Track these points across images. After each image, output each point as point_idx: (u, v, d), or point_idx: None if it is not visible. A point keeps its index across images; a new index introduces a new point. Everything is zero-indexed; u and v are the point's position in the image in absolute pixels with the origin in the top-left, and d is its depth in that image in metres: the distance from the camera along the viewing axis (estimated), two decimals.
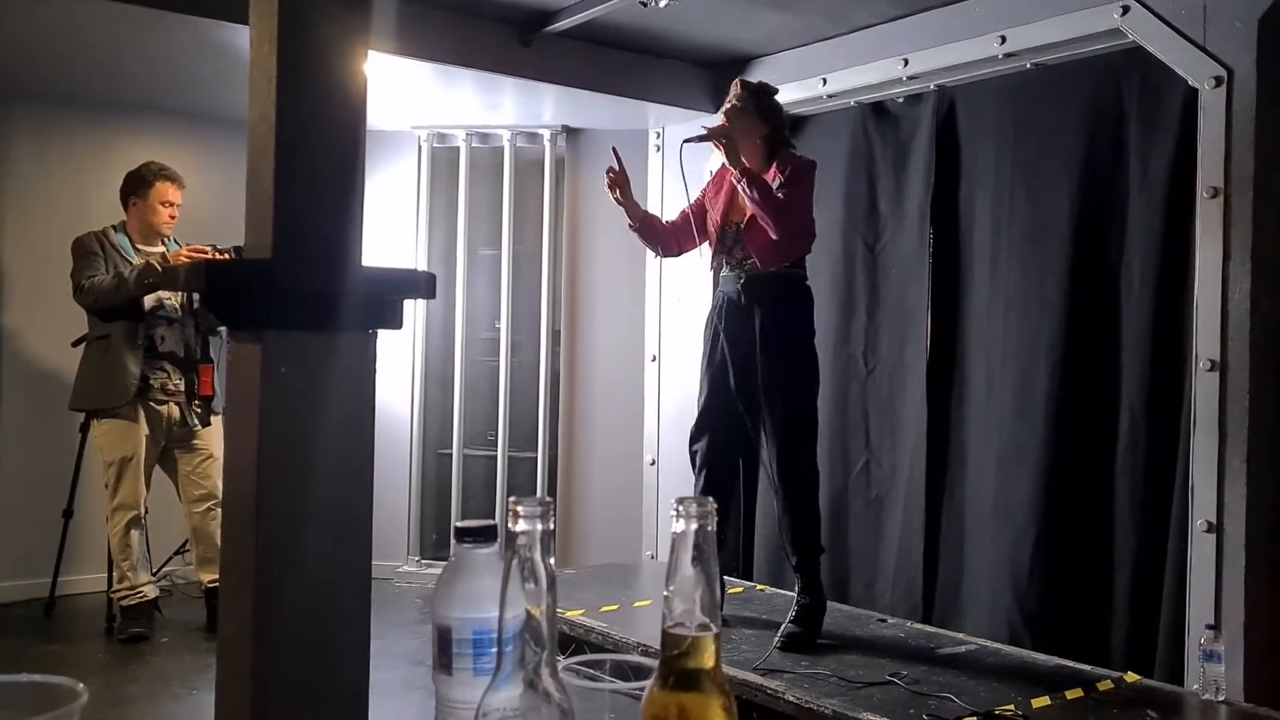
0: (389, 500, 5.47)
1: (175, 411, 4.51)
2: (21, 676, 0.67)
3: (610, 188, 3.69)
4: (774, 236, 3.48)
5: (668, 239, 3.84)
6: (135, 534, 4.43)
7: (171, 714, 3.65)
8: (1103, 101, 3.74)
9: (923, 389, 4.21)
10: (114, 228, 4.55)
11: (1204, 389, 3.30)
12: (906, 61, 4.17)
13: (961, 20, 4.00)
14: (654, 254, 3.96)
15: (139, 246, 4.54)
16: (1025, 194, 3.93)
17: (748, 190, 3.45)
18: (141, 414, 4.42)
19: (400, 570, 5.64)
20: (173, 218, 4.61)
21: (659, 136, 5.37)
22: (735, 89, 3.67)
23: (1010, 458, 3.91)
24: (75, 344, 4.71)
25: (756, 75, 4.86)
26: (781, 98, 4.66)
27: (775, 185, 3.51)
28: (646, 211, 3.83)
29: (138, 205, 4.56)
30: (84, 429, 4.74)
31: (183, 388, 4.49)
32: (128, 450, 4.40)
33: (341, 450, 1.05)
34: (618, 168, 3.68)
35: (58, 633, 4.65)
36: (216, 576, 4.45)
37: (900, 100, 4.43)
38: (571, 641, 3.67)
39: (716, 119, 3.71)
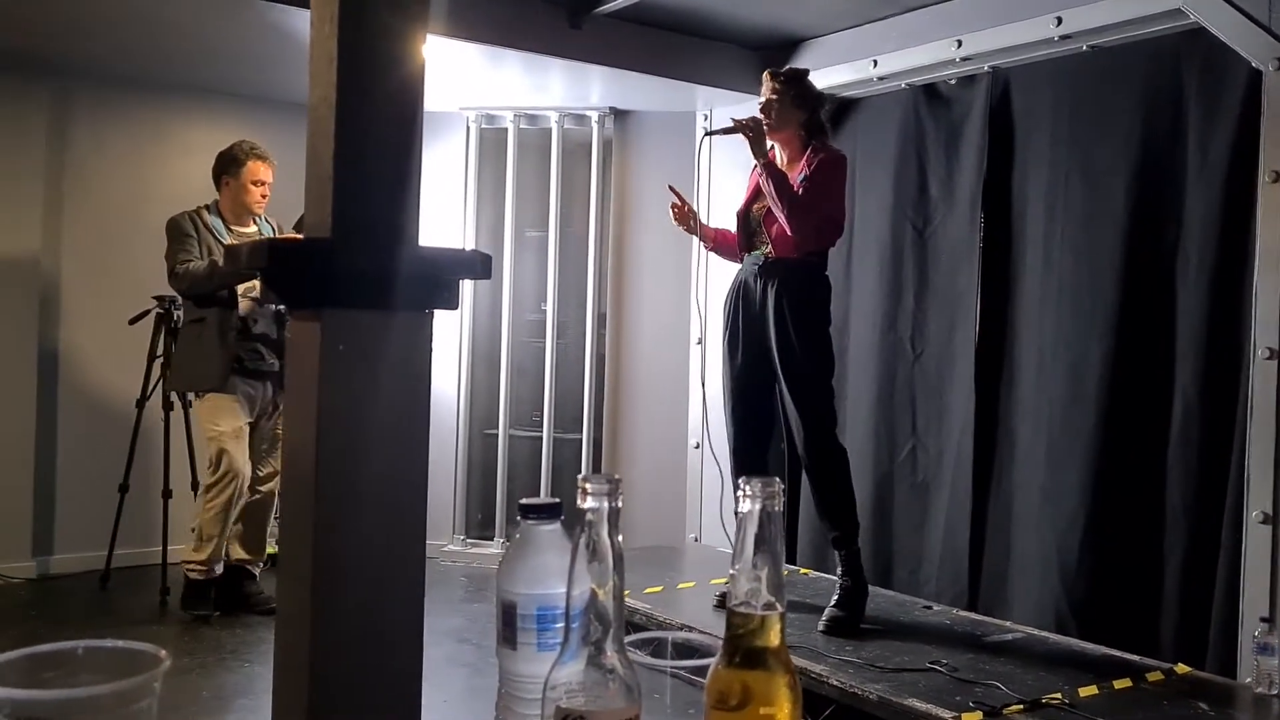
0: (435, 479, 5.51)
1: (269, 391, 4.48)
2: (106, 641, 0.70)
3: (679, 220, 3.82)
4: (788, 232, 3.53)
5: (736, 247, 3.88)
6: (233, 509, 4.37)
7: (227, 685, 3.73)
8: (1161, 84, 3.67)
9: (971, 374, 4.18)
10: (206, 208, 4.48)
11: (1262, 377, 3.24)
12: (960, 43, 4.12)
13: (1017, 1, 3.94)
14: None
15: (232, 227, 4.48)
16: (1080, 178, 3.88)
17: (764, 185, 3.53)
18: (240, 391, 4.39)
19: (446, 549, 5.70)
20: (264, 196, 4.52)
21: (707, 119, 5.34)
22: (767, 80, 3.71)
23: (1060, 445, 3.87)
24: (132, 321, 4.80)
25: (806, 57, 4.84)
26: (831, 79, 4.67)
27: (800, 179, 3.55)
28: (717, 230, 3.94)
29: (230, 185, 4.49)
30: (139, 405, 4.83)
31: (276, 368, 4.45)
32: (230, 424, 4.35)
33: (398, 428, 1.06)
34: (679, 202, 3.80)
35: (114, 604, 4.76)
36: (246, 556, 4.52)
37: (953, 82, 4.38)
38: None
39: (753, 109, 3.74)
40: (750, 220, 3.75)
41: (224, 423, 4.34)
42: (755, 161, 3.59)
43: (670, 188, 3.82)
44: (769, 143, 3.60)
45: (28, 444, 5.05)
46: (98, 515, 4.94)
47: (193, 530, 4.44)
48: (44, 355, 5.12)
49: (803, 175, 3.56)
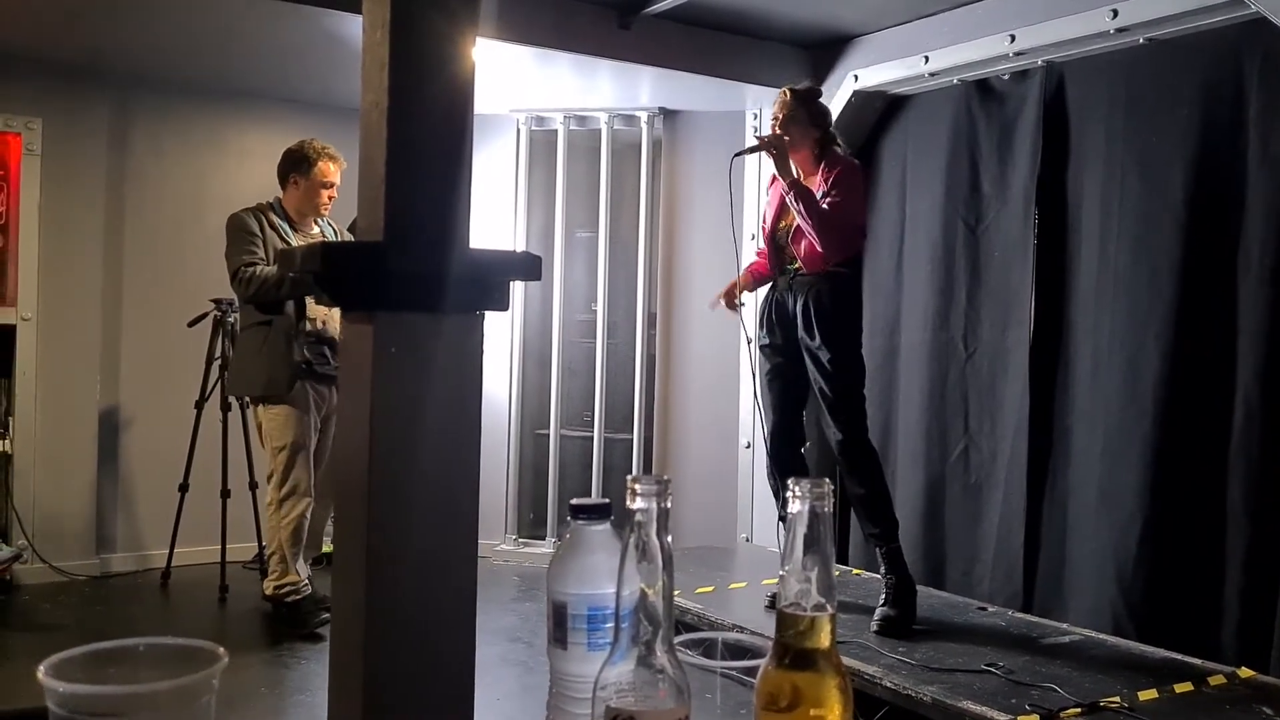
0: (487, 479, 5.55)
1: (334, 397, 4.27)
2: (167, 639, 0.71)
3: (729, 305, 3.93)
4: (818, 248, 3.59)
5: (769, 270, 3.93)
6: (306, 523, 4.22)
7: (284, 680, 3.78)
8: (1221, 76, 3.59)
9: (1025, 373, 4.12)
10: (270, 207, 4.30)
11: None
12: (1013, 37, 4.06)
13: None
14: None
15: (296, 228, 4.31)
16: (1137, 174, 3.81)
17: (793, 203, 3.58)
18: (310, 399, 4.22)
19: (498, 548, 5.73)
20: (331, 199, 4.32)
21: (756, 118, 5.33)
22: (784, 97, 3.76)
23: (1117, 445, 3.80)
24: (191, 324, 4.88)
25: (856, 54, 4.81)
26: (882, 76, 4.64)
27: (820, 194, 3.60)
28: (750, 269, 4.02)
29: (299, 184, 4.28)
30: (198, 406, 4.92)
31: None
32: (299, 435, 4.17)
33: (449, 429, 1.07)
34: (723, 303, 3.94)
35: (174, 601, 4.85)
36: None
37: (1006, 77, 4.33)
38: None
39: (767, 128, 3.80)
40: (777, 238, 3.81)
41: (293, 434, 4.17)
42: (780, 179, 3.64)
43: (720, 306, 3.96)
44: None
45: (90, 444, 5.17)
46: (158, 514, 5.05)
47: (271, 555, 4.28)
48: (106, 357, 5.23)
49: (822, 191, 3.62)
